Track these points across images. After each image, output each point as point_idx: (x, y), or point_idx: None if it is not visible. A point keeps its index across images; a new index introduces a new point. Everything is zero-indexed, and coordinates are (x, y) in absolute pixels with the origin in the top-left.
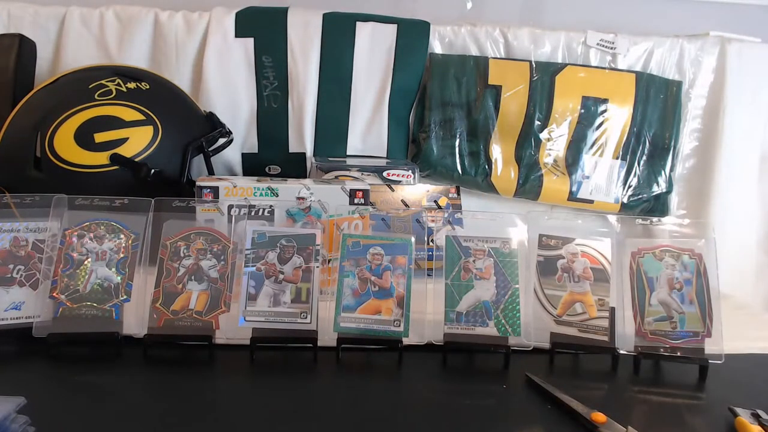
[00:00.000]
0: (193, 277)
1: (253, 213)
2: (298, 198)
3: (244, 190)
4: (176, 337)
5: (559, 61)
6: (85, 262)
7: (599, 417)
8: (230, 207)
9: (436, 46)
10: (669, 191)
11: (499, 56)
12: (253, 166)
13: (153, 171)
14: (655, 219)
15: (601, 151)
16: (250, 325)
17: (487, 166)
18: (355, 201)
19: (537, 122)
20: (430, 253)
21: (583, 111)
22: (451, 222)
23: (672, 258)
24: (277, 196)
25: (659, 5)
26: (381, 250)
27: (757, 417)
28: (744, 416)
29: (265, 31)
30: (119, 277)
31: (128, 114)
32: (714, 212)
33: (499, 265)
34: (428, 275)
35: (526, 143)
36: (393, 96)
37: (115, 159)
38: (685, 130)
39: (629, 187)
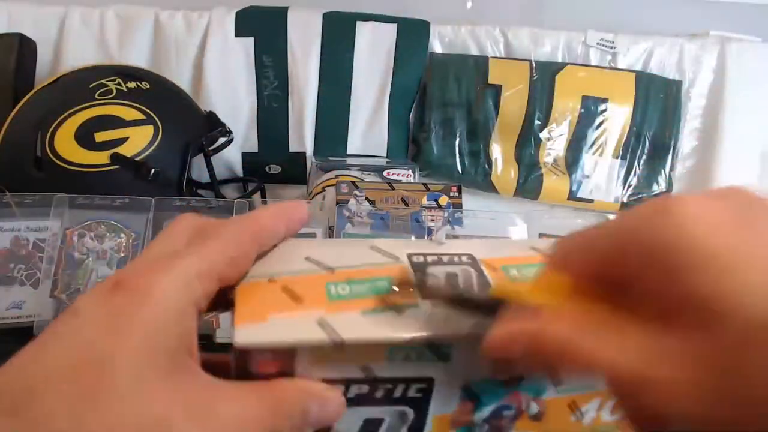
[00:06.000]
0: None
1: None
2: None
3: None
4: None
5: (559, 60)
6: (86, 262)
7: None
8: None
9: (437, 46)
10: (669, 191)
11: (499, 56)
12: (253, 165)
13: (153, 170)
14: None
15: (601, 150)
16: None
17: (487, 166)
18: None
19: (537, 122)
20: None
21: (583, 110)
22: (451, 222)
23: None
24: (448, 359)
25: (659, 5)
26: None
27: None
28: None
29: (265, 30)
30: None
31: (128, 113)
32: None
33: None
34: None
35: (526, 143)
36: (393, 95)
37: (116, 158)
38: (685, 129)
39: (629, 186)
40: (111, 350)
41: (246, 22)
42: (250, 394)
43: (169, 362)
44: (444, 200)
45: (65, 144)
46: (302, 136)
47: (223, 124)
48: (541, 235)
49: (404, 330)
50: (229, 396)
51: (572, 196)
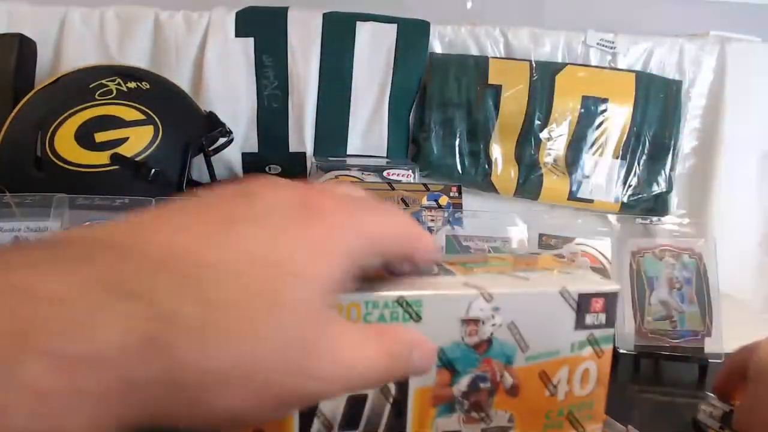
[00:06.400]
0: None
1: None
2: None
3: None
4: None
5: (559, 60)
6: None
7: None
8: None
9: (436, 46)
10: (669, 191)
11: (499, 56)
12: (253, 165)
13: (153, 170)
14: (655, 218)
15: (601, 150)
16: None
17: (487, 166)
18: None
19: (537, 122)
20: None
21: (583, 110)
22: (451, 222)
23: (672, 257)
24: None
25: (659, 5)
26: None
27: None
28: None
29: (265, 30)
30: None
31: (128, 114)
32: (714, 212)
33: None
34: None
35: (526, 143)
36: (393, 96)
37: (116, 159)
38: (685, 129)
39: (629, 186)
40: (290, 255)
41: (246, 22)
42: (373, 337)
43: (326, 297)
44: (444, 200)
45: (65, 144)
46: (302, 136)
47: (223, 124)
48: (541, 236)
49: (377, 288)
50: (358, 337)
51: (572, 196)
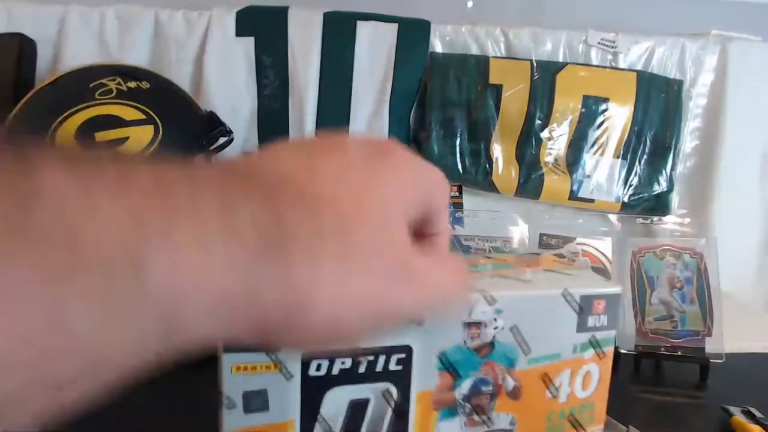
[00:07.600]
0: None
1: None
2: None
3: None
4: None
5: (560, 60)
6: None
7: None
8: None
9: (437, 46)
10: (670, 190)
11: (499, 55)
12: None
13: None
14: (655, 218)
15: (602, 150)
16: None
17: (487, 166)
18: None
19: (538, 121)
20: None
21: (584, 110)
22: (452, 222)
23: (673, 257)
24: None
25: (660, 4)
26: None
27: (749, 414)
28: (738, 415)
29: (265, 30)
30: None
31: (129, 113)
32: (715, 211)
33: None
34: None
35: (527, 142)
36: (393, 95)
37: None
38: (686, 129)
39: (630, 186)
40: (389, 196)
41: (246, 22)
42: (445, 265)
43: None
44: None
45: (66, 143)
46: (303, 136)
47: (223, 124)
48: (541, 235)
49: None
50: (437, 267)
51: (573, 196)
